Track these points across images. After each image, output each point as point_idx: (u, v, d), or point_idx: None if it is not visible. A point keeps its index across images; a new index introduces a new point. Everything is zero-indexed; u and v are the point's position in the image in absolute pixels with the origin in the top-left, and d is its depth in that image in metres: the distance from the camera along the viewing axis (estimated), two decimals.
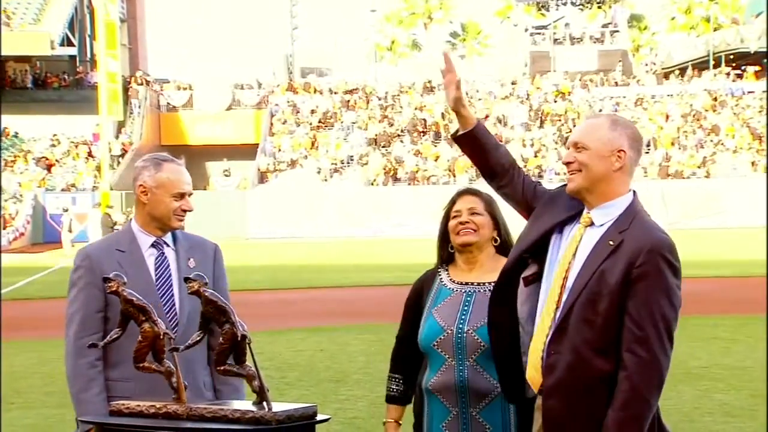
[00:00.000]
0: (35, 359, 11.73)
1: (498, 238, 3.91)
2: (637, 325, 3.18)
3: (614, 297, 3.21)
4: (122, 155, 46.21)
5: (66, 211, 36.99)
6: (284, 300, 18.06)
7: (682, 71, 54.76)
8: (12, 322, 14.32)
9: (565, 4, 60.98)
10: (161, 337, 3.06)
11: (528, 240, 3.47)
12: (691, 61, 57.35)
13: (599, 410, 3.21)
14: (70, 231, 34.99)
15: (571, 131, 44.56)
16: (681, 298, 3.25)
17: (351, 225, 39.44)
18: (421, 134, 46.94)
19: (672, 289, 3.23)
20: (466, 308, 3.81)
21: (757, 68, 51.91)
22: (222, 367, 2.98)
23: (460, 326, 3.77)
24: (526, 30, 60.04)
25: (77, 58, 53.85)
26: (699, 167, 43.16)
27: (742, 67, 52.62)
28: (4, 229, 36.94)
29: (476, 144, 3.62)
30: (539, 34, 59.23)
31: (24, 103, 48.24)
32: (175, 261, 3.99)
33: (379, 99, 50.82)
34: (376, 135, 46.84)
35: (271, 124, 48.98)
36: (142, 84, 51.28)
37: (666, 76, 54.93)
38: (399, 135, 46.96)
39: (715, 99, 48.61)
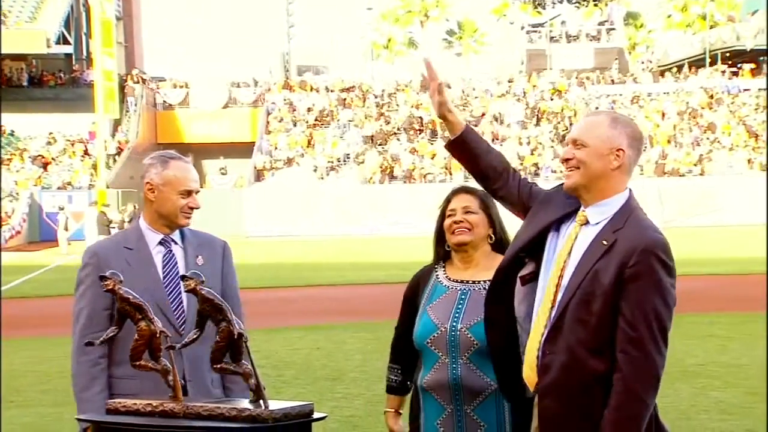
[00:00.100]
0: (32, 358, 11.73)
1: (493, 236, 3.91)
2: (630, 325, 3.17)
3: (608, 297, 3.19)
4: (118, 153, 46.18)
5: (62, 209, 36.97)
6: (281, 298, 18.05)
7: (679, 69, 54.85)
8: (8, 320, 14.30)
9: (561, 1, 61.08)
10: (158, 335, 3.06)
11: (524, 238, 3.46)
12: (688, 58, 57.44)
13: (594, 410, 3.20)
14: (66, 229, 34.97)
15: (567, 129, 44.52)
16: (675, 297, 3.24)
17: (347, 223, 39.44)
18: (418, 132, 46.96)
19: (666, 289, 3.21)
20: (460, 306, 3.81)
21: (753, 66, 51.98)
22: (218, 366, 2.98)
23: (454, 324, 3.77)
24: (523, 28, 60.09)
25: (73, 57, 53.85)
26: (695, 165, 43.21)
27: (738, 65, 52.68)
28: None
29: (466, 149, 3.61)
30: (535, 32, 59.29)
31: (20, 102, 48.19)
32: (183, 258, 4.00)
33: (376, 97, 50.83)
34: (372, 133, 46.84)
35: (268, 122, 48.98)
36: (138, 82, 51.26)
37: (662, 73, 55.01)
38: (395, 133, 46.98)
39: (712, 97, 48.66)
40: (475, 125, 42.67)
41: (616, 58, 56.37)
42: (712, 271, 20.24)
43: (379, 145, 46.10)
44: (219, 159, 48.88)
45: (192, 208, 3.99)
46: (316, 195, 40.76)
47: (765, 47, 51.72)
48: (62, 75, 52.03)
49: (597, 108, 44.51)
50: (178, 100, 52.41)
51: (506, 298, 3.47)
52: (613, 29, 59.56)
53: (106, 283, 3.08)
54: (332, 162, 45.06)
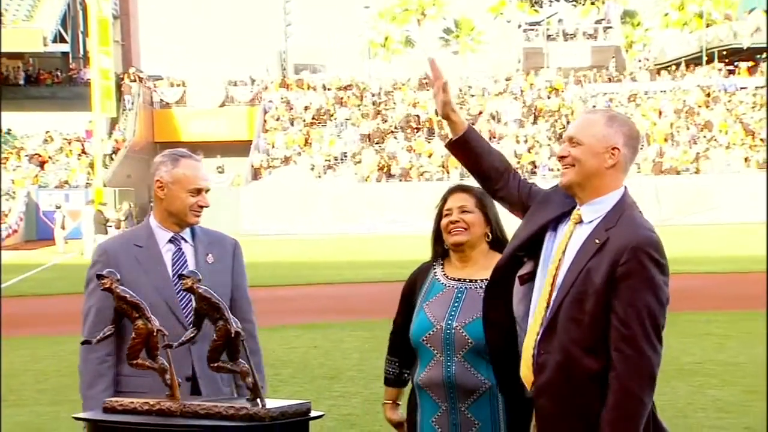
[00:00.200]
0: (28, 356, 11.72)
1: (490, 235, 3.91)
2: (623, 323, 3.16)
3: (600, 296, 3.19)
4: (115, 152, 46.16)
5: (59, 208, 36.92)
6: (278, 297, 18.03)
7: (676, 67, 54.86)
8: (5, 319, 14.28)
9: (558, 0, 61.05)
10: (155, 333, 3.06)
11: (522, 237, 3.46)
12: (684, 57, 57.45)
13: (590, 409, 3.20)
14: (63, 228, 34.92)
15: (564, 127, 44.53)
16: (669, 294, 3.23)
17: (344, 221, 39.44)
18: (415, 131, 46.96)
19: (658, 286, 3.20)
20: (456, 304, 3.81)
21: (750, 64, 52.02)
22: (215, 364, 2.98)
23: (449, 322, 3.77)
24: (519, 26, 60.16)
25: (70, 55, 53.78)
26: (692, 163, 43.23)
27: (735, 63, 52.73)
28: None
29: (468, 149, 3.60)
30: (532, 30, 59.35)
31: (17, 100, 48.14)
32: (193, 256, 4.00)
33: (373, 95, 50.82)
34: (369, 131, 46.83)
35: (265, 120, 48.96)
36: (135, 81, 51.22)
37: (659, 72, 55.02)
38: (392, 131, 46.98)
39: (708, 95, 48.69)
40: (473, 123, 42.58)
41: (613, 57, 56.42)
42: (708, 270, 20.27)
43: (377, 143, 46.10)
44: (216, 157, 48.85)
45: (201, 207, 4.01)
46: (314, 193, 40.75)
47: (762, 45, 51.73)
48: (59, 73, 51.99)
49: (594, 106, 44.55)
50: (175, 98, 52.40)
51: (504, 296, 3.47)
52: (610, 27, 59.63)
53: (102, 281, 3.08)
54: (329, 160, 45.06)
